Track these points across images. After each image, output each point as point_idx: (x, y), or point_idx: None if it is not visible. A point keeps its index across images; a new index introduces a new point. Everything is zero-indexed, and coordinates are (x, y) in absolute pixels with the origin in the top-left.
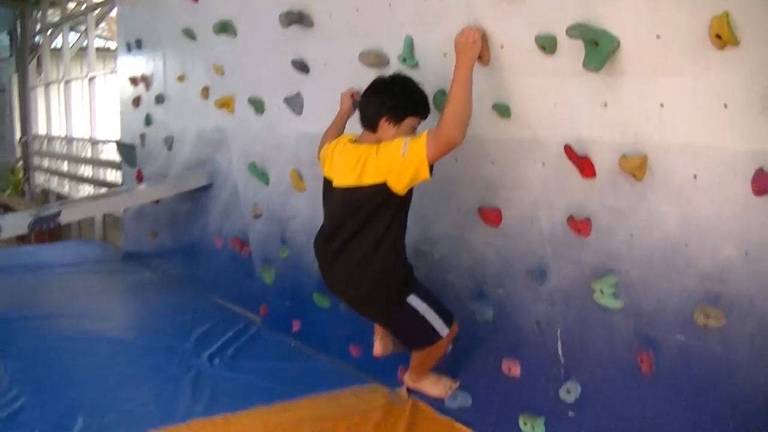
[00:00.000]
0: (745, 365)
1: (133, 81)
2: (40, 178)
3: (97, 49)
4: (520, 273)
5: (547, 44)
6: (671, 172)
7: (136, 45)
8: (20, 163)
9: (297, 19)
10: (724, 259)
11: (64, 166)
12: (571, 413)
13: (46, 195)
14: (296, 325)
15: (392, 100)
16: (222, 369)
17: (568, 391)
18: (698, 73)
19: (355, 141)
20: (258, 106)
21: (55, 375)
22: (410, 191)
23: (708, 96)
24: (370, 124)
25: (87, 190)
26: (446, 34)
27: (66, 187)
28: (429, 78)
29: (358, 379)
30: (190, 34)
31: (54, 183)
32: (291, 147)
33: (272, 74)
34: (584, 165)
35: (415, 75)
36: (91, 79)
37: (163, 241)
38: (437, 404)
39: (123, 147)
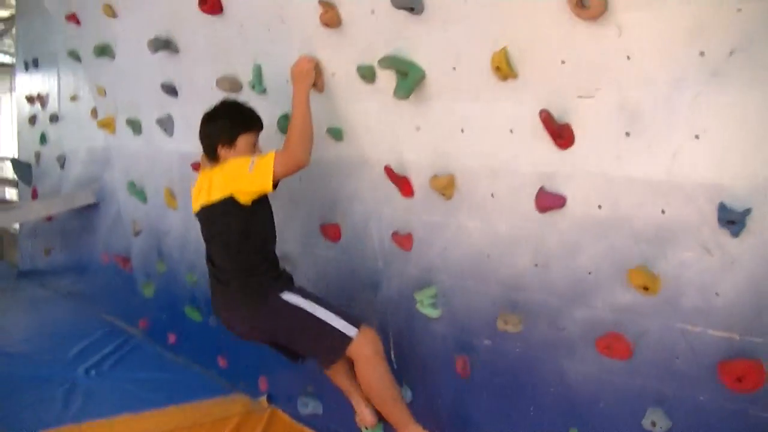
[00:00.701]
0: (540, 360)
1: (30, 100)
2: None
3: (2, 65)
4: (356, 286)
5: (367, 73)
6: (474, 190)
7: (33, 64)
8: None
9: (163, 45)
10: (519, 270)
11: None
12: None
13: None
14: (172, 338)
15: (219, 126)
16: (97, 380)
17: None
18: (488, 101)
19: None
20: (135, 126)
21: None
22: (262, 200)
23: (497, 122)
24: (211, 155)
25: None
26: (289, 63)
27: None
28: (276, 102)
29: (223, 389)
30: (75, 55)
31: None
32: (164, 166)
33: (146, 96)
34: (403, 184)
35: (263, 100)
36: None
37: (56, 258)
38: (293, 412)
39: (18, 164)
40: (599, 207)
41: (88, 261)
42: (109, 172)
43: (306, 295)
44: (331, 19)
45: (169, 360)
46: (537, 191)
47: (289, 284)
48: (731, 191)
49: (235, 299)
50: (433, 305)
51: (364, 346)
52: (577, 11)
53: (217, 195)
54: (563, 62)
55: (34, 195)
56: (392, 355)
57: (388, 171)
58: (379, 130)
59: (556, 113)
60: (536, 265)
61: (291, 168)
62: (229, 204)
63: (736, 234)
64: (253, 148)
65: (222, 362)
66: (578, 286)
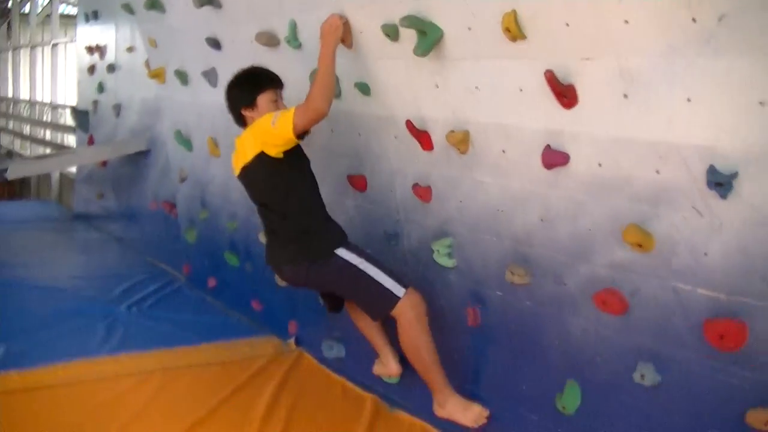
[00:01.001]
0: (545, 314)
1: (90, 50)
2: (5, 140)
3: (66, 16)
4: (380, 235)
5: (391, 32)
6: (487, 147)
7: (93, 16)
8: None
9: (207, 1)
10: (528, 225)
11: (27, 129)
12: None
13: (10, 155)
14: (212, 282)
15: (236, 92)
16: (138, 317)
17: None
18: (500, 61)
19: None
20: (183, 78)
21: None
22: (295, 153)
23: (508, 81)
24: (239, 121)
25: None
26: (322, 20)
27: (28, 150)
28: (311, 57)
29: (256, 331)
30: (128, 8)
31: (18, 145)
32: (209, 117)
33: (193, 49)
34: (423, 139)
35: (298, 54)
36: (54, 46)
37: (108, 203)
38: (318, 355)
39: (77, 113)
40: (599, 165)
41: (137, 207)
42: (159, 122)
43: (359, 252)
44: None
45: (207, 303)
46: (543, 148)
47: (343, 239)
48: (721, 154)
49: (292, 256)
50: (449, 255)
51: (409, 307)
52: None
53: (250, 154)
54: (568, 25)
55: (91, 142)
56: None
57: (410, 126)
58: (402, 86)
59: (560, 74)
60: (542, 220)
61: (312, 117)
62: (263, 160)
63: (724, 196)
64: (276, 105)
65: (256, 306)
66: (580, 243)
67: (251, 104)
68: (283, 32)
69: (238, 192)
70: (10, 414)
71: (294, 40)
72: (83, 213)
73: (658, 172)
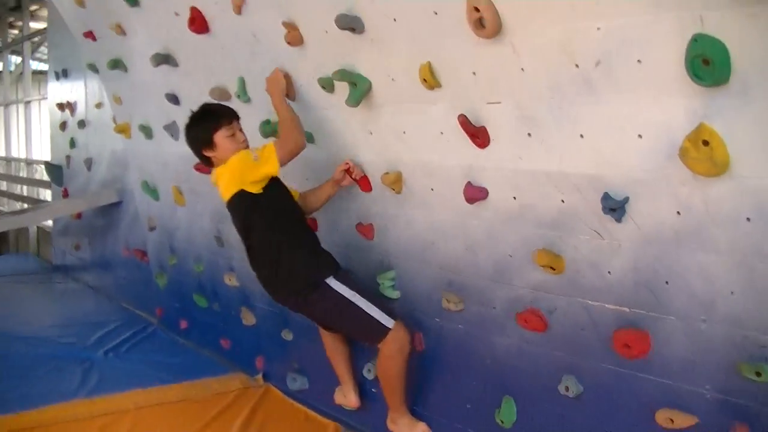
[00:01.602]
0: (477, 336)
1: (61, 107)
2: None
3: (39, 72)
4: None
5: (327, 84)
6: (417, 185)
7: (63, 74)
8: None
9: (164, 60)
10: (456, 254)
11: (4, 185)
12: (373, 389)
13: None
14: (183, 324)
15: (193, 134)
16: (114, 361)
17: (368, 370)
18: (421, 108)
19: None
20: (147, 132)
21: None
22: (276, 187)
23: (430, 125)
24: (204, 161)
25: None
26: (267, 75)
27: (5, 205)
28: (260, 110)
29: (226, 368)
30: (93, 67)
31: None
32: (173, 167)
33: (154, 105)
34: (362, 181)
35: (249, 108)
36: (27, 103)
37: (84, 253)
38: (284, 388)
39: (51, 167)
40: (514, 198)
41: (111, 255)
42: (128, 174)
43: (350, 283)
44: (294, 39)
45: (179, 344)
46: (465, 185)
47: (334, 269)
48: (612, 182)
49: (284, 288)
50: (393, 287)
51: (394, 340)
52: (476, 31)
53: (228, 192)
54: (474, 74)
55: (65, 195)
56: None
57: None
58: (340, 134)
59: (472, 117)
60: (467, 249)
61: (292, 150)
62: (243, 197)
63: (619, 220)
64: (234, 139)
65: (225, 344)
66: (502, 268)
67: (209, 144)
68: (233, 88)
69: (201, 236)
70: None
71: (243, 95)
72: (61, 264)
73: (563, 201)
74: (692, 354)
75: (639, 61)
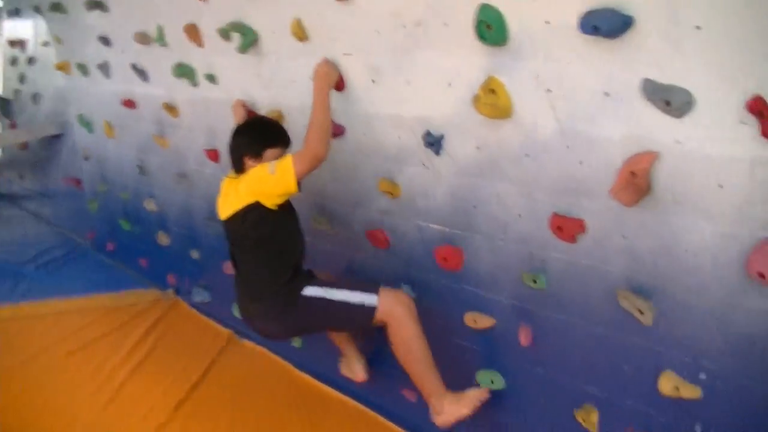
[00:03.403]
0: (341, 252)
1: (12, 44)
2: None
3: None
4: None
5: (224, 34)
6: (294, 124)
7: (15, 12)
8: None
9: (96, 5)
10: (323, 183)
11: None
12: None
13: None
14: (110, 246)
15: (248, 138)
16: (44, 275)
17: None
18: (295, 57)
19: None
20: (84, 70)
21: None
22: (287, 205)
23: (302, 72)
24: (237, 166)
25: None
26: (178, 23)
27: None
28: (173, 53)
29: (143, 284)
30: (37, 9)
31: None
32: (105, 103)
33: (89, 46)
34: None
35: (165, 51)
36: None
37: (28, 183)
38: (191, 301)
39: (2, 101)
40: (364, 135)
41: (52, 184)
42: (68, 108)
43: (322, 283)
44: None
45: (106, 263)
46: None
47: (308, 280)
48: (432, 122)
49: (271, 313)
50: None
51: (389, 308)
52: None
53: (241, 203)
54: (333, 30)
55: (13, 127)
56: None
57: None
58: (236, 76)
59: None
60: (333, 179)
61: (312, 163)
62: (256, 210)
63: (437, 153)
64: None
65: (143, 263)
66: (358, 194)
67: (257, 155)
68: (153, 33)
69: (128, 166)
70: None
71: (161, 40)
72: (7, 193)
73: (399, 138)
74: (493, 267)
75: (446, 24)
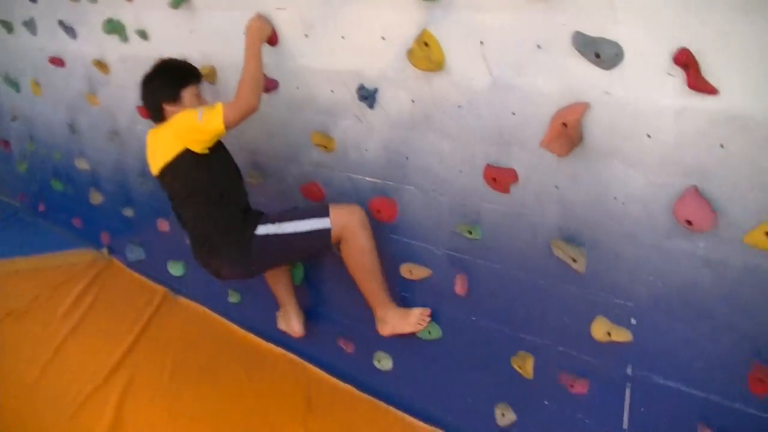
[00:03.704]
0: (274, 206)
1: None
2: None
3: None
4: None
5: None
6: (227, 80)
7: None
8: None
9: None
10: (258, 139)
11: None
12: None
13: None
14: (41, 207)
15: (157, 84)
16: None
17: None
18: (229, 11)
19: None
20: (8, 27)
21: None
22: (219, 148)
23: (234, 27)
24: (157, 116)
25: None
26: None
27: None
28: (105, 7)
29: (78, 244)
30: None
31: None
32: (31, 61)
33: (15, 1)
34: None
35: (93, 6)
36: None
37: None
38: (125, 259)
39: None
40: (297, 88)
41: None
42: None
43: (272, 219)
44: None
45: (38, 224)
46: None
47: (259, 219)
48: (366, 76)
49: (230, 260)
50: None
51: (342, 224)
52: None
53: (171, 152)
54: None
55: None
56: None
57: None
58: (168, 32)
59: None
60: (268, 135)
61: (243, 112)
62: (187, 157)
63: (371, 106)
64: (198, 99)
65: (76, 222)
66: (291, 149)
67: (175, 98)
68: None
69: (58, 125)
70: None
71: None
72: None
73: (332, 91)
74: (428, 218)
75: None
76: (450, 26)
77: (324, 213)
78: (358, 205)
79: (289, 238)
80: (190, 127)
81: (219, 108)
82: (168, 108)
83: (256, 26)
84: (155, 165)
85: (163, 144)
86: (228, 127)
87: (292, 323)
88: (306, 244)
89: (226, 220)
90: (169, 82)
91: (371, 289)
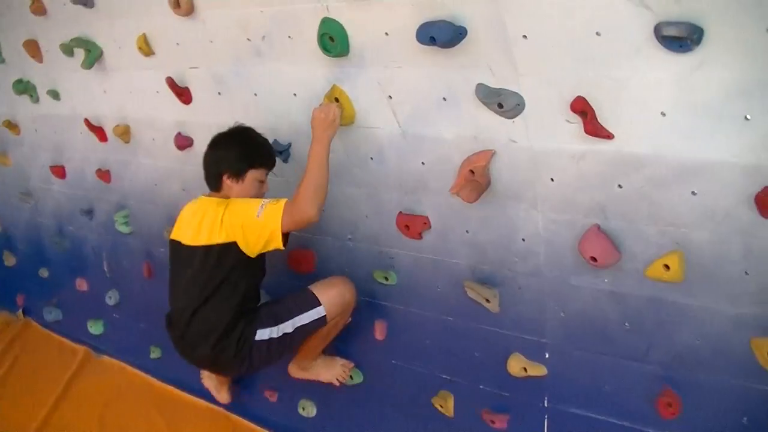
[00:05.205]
0: None
1: None
2: None
3: None
4: (77, 213)
5: (66, 50)
6: (142, 136)
7: None
8: None
9: None
10: (173, 193)
11: None
12: (115, 315)
13: None
14: None
15: (229, 154)
16: None
17: (110, 297)
18: (141, 71)
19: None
20: None
21: None
22: (261, 259)
23: (148, 85)
24: (213, 183)
25: None
26: (15, 38)
27: None
28: (12, 69)
29: None
30: None
31: None
32: None
33: None
34: (99, 133)
35: (2, 67)
36: None
37: None
38: (42, 321)
39: None
40: None
41: None
42: None
43: (266, 322)
44: (38, 9)
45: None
46: (175, 135)
47: (257, 321)
48: (279, 131)
49: (225, 360)
50: (126, 224)
51: (338, 312)
52: (174, 10)
53: (216, 238)
54: (178, 44)
55: None
56: (105, 267)
57: (87, 123)
58: (80, 92)
59: (178, 80)
60: (183, 190)
61: (297, 223)
62: (233, 250)
63: (286, 161)
64: (260, 186)
65: None
66: None
67: (238, 174)
68: None
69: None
70: None
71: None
72: None
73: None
74: (345, 266)
75: (290, 37)
76: (360, 81)
77: (316, 302)
78: (344, 279)
79: (287, 338)
80: (247, 224)
81: (281, 207)
82: (227, 181)
83: (322, 117)
84: (197, 236)
85: (212, 223)
86: (283, 233)
87: (221, 391)
88: (303, 336)
89: (232, 321)
90: (242, 157)
91: (315, 345)
